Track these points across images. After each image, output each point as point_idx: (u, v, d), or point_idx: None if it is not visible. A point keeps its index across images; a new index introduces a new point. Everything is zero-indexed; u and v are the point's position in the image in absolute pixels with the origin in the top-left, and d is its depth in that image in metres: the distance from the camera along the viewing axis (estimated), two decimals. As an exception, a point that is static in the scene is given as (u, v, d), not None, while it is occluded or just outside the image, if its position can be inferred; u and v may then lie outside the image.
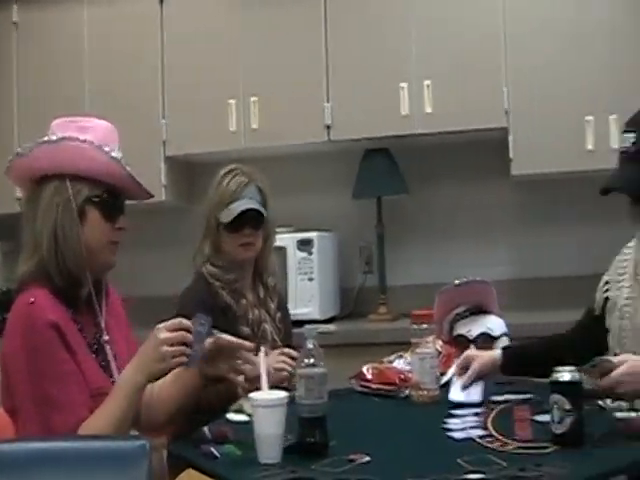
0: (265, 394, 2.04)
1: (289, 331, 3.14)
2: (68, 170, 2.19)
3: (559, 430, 1.99)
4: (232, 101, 4.44)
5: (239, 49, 4.48)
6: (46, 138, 2.21)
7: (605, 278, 2.64)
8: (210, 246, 3.01)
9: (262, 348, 2.21)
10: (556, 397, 2.00)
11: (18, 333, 2.09)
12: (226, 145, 4.46)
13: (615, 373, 2.12)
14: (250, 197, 3.00)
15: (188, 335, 2.14)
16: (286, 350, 2.86)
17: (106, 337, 2.28)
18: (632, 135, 2.34)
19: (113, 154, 2.21)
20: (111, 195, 2.25)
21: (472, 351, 2.68)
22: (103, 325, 2.29)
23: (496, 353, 2.67)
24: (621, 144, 2.40)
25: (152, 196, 2.35)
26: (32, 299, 2.10)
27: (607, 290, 2.60)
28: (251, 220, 2.99)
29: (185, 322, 2.16)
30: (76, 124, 2.26)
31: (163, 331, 2.13)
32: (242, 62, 4.47)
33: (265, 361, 2.16)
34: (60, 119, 2.29)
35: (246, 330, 2.91)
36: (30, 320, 2.08)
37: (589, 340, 2.60)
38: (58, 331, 2.09)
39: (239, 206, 2.95)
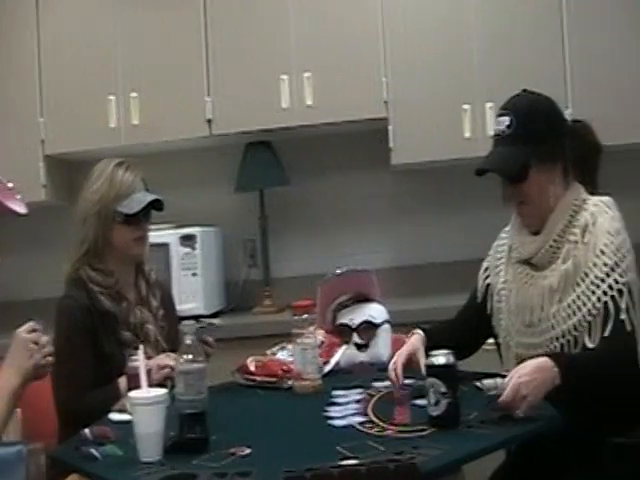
0: (144, 392, 2.03)
1: (175, 326, 3.10)
2: None
3: (435, 412, 2.03)
4: (112, 97, 4.37)
5: (117, 45, 4.40)
6: None
7: (485, 264, 2.70)
8: (92, 247, 2.89)
9: (141, 346, 2.18)
10: (432, 380, 2.05)
11: None
12: (107, 142, 4.37)
13: (509, 385, 2.08)
14: (146, 189, 2.94)
15: (43, 337, 2.20)
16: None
17: None
18: (507, 118, 2.40)
19: None
20: None
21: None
22: None
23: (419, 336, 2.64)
24: (496, 127, 2.45)
25: (23, 215, 2.31)
26: None
27: (487, 277, 2.66)
28: (148, 213, 2.93)
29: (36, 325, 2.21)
30: None
31: (23, 332, 2.19)
32: (121, 58, 4.39)
33: (144, 359, 2.14)
34: None
35: (128, 335, 2.83)
36: None
37: (473, 326, 2.67)
38: None
39: (142, 198, 2.88)
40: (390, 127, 4.28)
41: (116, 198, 2.86)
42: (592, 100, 4.02)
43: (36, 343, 2.19)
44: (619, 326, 2.24)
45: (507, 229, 2.64)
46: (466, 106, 4.23)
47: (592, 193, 2.48)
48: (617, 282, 2.27)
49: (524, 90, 2.51)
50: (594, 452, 2.16)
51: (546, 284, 2.38)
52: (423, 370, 2.24)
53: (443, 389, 2.02)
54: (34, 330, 2.21)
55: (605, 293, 2.27)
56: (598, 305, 2.27)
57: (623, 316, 2.24)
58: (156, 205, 2.94)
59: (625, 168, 4.23)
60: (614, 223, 2.34)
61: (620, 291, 2.26)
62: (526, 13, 4.28)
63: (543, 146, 2.39)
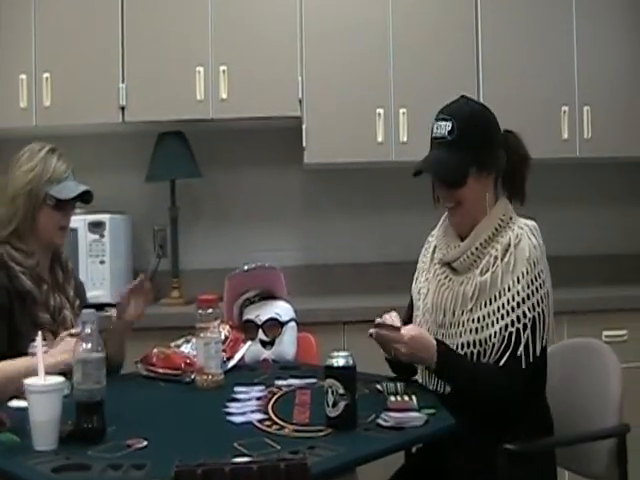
0: (40, 379, 2.00)
1: None
2: None
3: (333, 414, 2.05)
4: (23, 76, 4.28)
5: (35, 23, 4.31)
6: None
7: (418, 267, 2.73)
8: (19, 227, 2.82)
9: (39, 333, 2.15)
10: (330, 381, 2.07)
11: None
12: (16, 122, 4.29)
13: (404, 331, 2.33)
14: (76, 179, 2.90)
15: None
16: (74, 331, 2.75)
17: None
18: (448, 124, 2.42)
19: None
20: None
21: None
22: None
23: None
24: (435, 130, 2.46)
25: None
26: None
27: (417, 278, 2.70)
28: (74, 204, 2.91)
29: None
30: None
31: None
32: (35, 35, 4.30)
33: (41, 345, 2.11)
34: None
35: (46, 317, 2.78)
36: None
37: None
38: None
39: (76, 186, 2.86)
40: (304, 126, 4.30)
41: (48, 181, 2.81)
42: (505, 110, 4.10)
43: None
44: (513, 361, 2.33)
45: (434, 232, 2.69)
46: (380, 110, 4.29)
47: (521, 203, 2.53)
48: (525, 315, 2.34)
49: (462, 96, 2.55)
50: (488, 457, 2.22)
51: (461, 290, 2.44)
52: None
53: (341, 390, 2.04)
54: None
55: (512, 323, 2.35)
56: (504, 333, 2.35)
57: (520, 352, 2.33)
58: (85, 197, 2.91)
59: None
60: (535, 251, 2.40)
61: (525, 325, 2.34)
62: (445, 19, 4.37)
63: (482, 155, 2.44)
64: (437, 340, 2.39)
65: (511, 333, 2.34)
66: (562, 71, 4.40)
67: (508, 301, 2.36)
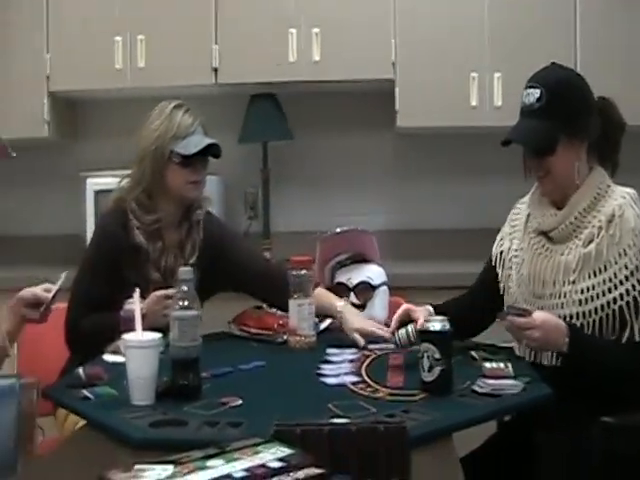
0: (138, 335, 2.03)
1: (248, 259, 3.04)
2: None
3: (428, 378, 2.04)
4: (118, 38, 4.32)
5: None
6: None
7: (500, 233, 2.69)
8: (148, 186, 2.84)
9: (137, 289, 2.17)
10: (426, 346, 2.05)
11: None
12: (111, 83, 4.35)
13: (536, 315, 2.23)
14: (205, 133, 2.90)
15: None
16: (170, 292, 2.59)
17: None
18: (537, 91, 2.37)
19: None
20: None
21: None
22: None
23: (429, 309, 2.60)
24: (524, 99, 2.42)
25: (11, 156, 2.32)
26: None
27: (502, 245, 2.65)
28: (204, 158, 2.89)
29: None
30: None
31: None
32: (130, -1, 4.35)
33: (139, 302, 2.13)
34: None
35: (156, 275, 2.80)
36: None
37: (487, 299, 2.62)
38: None
39: (199, 141, 2.84)
40: (397, 89, 4.25)
41: (173, 138, 2.82)
42: (602, 76, 4.00)
43: None
44: (631, 335, 2.28)
45: (523, 200, 2.63)
46: (474, 74, 4.21)
47: (613, 172, 2.47)
48: (634, 288, 2.29)
49: (553, 63, 2.48)
50: (583, 429, 2.17)
51: (562, 260, 2.38)
52: (417, 326, 2.31)
53: (437, 355, 2.03)
54: None
55: (622, 297, 2.29)
56: (612, 306, 2.29)
57: (636, 326, 2.28)
58: (213, 151, 2.90)
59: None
60: (639, 221, 2.33)
61: (635, 299, 2.28)
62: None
63: (572, 122, 2.37)
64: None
65: (621, 307, 2.28)
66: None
67: (615, 274, 2.29)
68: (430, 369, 2.03)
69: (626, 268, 2.29)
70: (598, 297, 2.31)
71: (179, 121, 2.83)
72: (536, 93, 2.38)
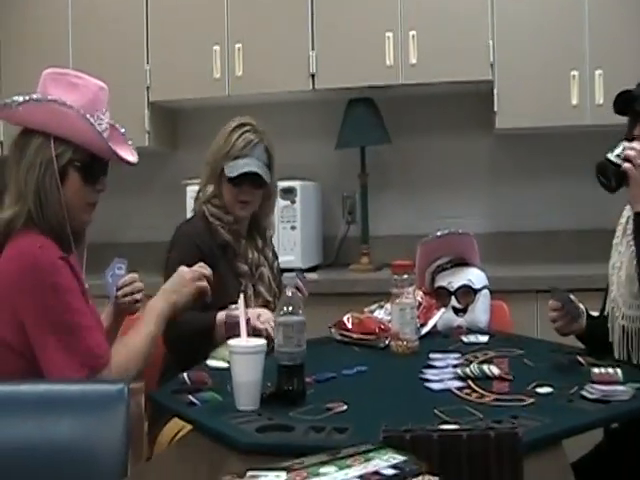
0: (243, 341, 2.04)
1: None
2: (52, 131, 2.20)
3: None
4: (216, 47, 4.38)
5: (226, -4, 4.41)
6: (34, 96, 2.21)
7: (613, 243, 2.64)
8: (213, 189, 3.00)
9: (241, 295, 2.19)
10: None
11: (27, 273, 2.11)
12: (210, 92, 4.42)
13: None
14: (257, 157, 2.97)
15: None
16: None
17: (86, 286, 2.28)
18: None
19: (98, 124, 2.22)
20: (94, 160, 2.26)
21: None
22: (83, 276, 2.29)
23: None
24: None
25: (133, 164, 2.38)
26: (39, 244, 2.14)
27: (612, 257, 2.60)
28: (252, 181, 2.96)
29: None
30: (67, 78, 2.26)
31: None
32: (228, 8, 4.39)
33: (244, 307, 2.15)
34: (52, 69, 2.29)
35: (244, 268, 2.93)
36: (45, 261, 2.12)
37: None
38: (73, 271, 2.18)
39: (244, 165, 2.92)
40: (495, 90, 4.20)
41: (225, 157, 2.96)
42: None
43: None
44: None
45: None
46: (574, 72, 4.13)
47: None
48: None
49: None
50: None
51: None
52: None
53: None
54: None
55: None
56: None
57: None
58: (255, 178, 2.96)
59: None
60: None
61: None
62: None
63: None
64: None
65: None
66: None
67: None
68: None
69: None
70: None
71: (233, 142, 2.95)
72: None
